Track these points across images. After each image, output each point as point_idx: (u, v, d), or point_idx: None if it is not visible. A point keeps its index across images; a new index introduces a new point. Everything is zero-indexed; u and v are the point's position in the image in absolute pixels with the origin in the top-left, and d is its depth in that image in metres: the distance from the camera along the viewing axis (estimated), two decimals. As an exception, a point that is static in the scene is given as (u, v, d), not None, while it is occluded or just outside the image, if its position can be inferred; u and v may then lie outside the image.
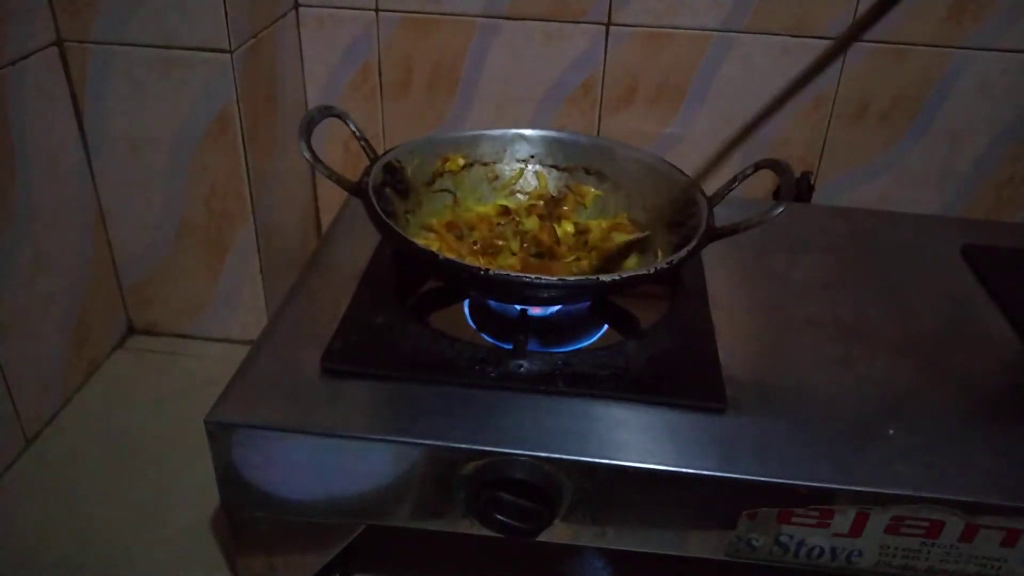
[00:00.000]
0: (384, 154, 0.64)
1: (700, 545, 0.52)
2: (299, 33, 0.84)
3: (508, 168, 0.70)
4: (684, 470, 0.49)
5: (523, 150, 0.70)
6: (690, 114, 0.84)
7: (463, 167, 0.68)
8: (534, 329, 0.59)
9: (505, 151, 0.70)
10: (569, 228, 0.66)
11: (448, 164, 0.67)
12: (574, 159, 0.70)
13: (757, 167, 0.60)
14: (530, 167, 0.70)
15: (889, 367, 0.59)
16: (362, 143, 0.63)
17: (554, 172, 0.70)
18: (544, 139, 0.70)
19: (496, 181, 0.69)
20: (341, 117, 0.62)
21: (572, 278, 0.54)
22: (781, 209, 0.55)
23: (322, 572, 0.58)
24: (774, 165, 0.59)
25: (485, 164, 0.69)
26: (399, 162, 0.64)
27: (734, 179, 0.62)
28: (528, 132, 0.70)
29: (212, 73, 0.70)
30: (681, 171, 0.65)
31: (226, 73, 0.70)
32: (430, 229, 0.64)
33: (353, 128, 0.63)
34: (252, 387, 0.54)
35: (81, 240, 0.76)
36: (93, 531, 0.64)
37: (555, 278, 0.53)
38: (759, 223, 0.56)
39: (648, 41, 0.81)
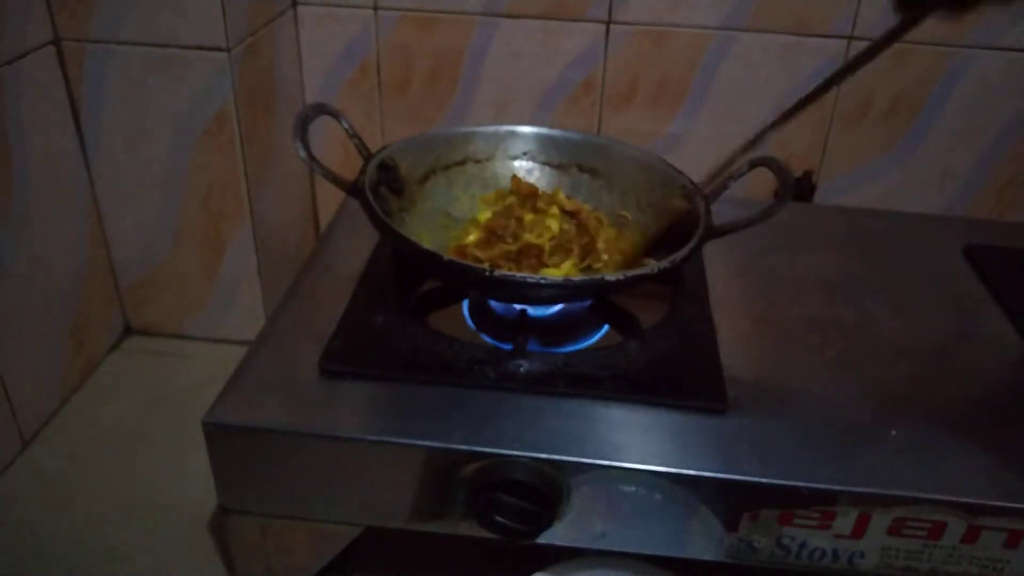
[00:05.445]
0: (377, 152, 0.63)
1: (701, 547, 0.51)
2: (297, 31, 0.84)
3: (502, 166, 0.69)
4: (685, 471, 0.49)
5: (516, 147, 0.70)
6: (691, 113, 0.84)
7: (457, 163, 0.68)
8: (534, 329, 0.59)
9: (498, 148, 0.69)
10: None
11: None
12: (568, 156, 0.69)
13: (752, 164, 0.60)
14: (523, 164, 0.70)
15: (891, 368, 0.58)
16: (355, 141, 0.63)
17: (547, 169, 0.70)
18: (537, 136, 0.70)
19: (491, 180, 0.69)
20: (334, 115, 0.62)
21: (577, 278, 0.54)
22: (780, 207, 0.55)
23: (321, 573, 0.57)
24: (769, 162, 0.58)
25: (478, 161, 0.69)
26: (393, 160, 0.64)
27: (729, 176, 0.61)
28: (521, 129, 0.70)
29: (209, 72, 0.70)
30: (676, 168, 0.65)
31: (223, 72, 0.70)
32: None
33: (346, 126, 0.62)
34: (250, 388, 0.53)
35: (78, 240, 0.75)
36: (90, 532, 0.64)
37: (560, 278, 0.53)
38: (758, 221, 0.56)
39: (649, 39, 0.81)
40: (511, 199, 0.65)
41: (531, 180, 0.69)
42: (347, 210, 0.74)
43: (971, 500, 0.48)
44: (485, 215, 0.64)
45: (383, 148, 0.64)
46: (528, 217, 0.63)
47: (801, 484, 0.48)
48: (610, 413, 0.52)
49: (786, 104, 0.55)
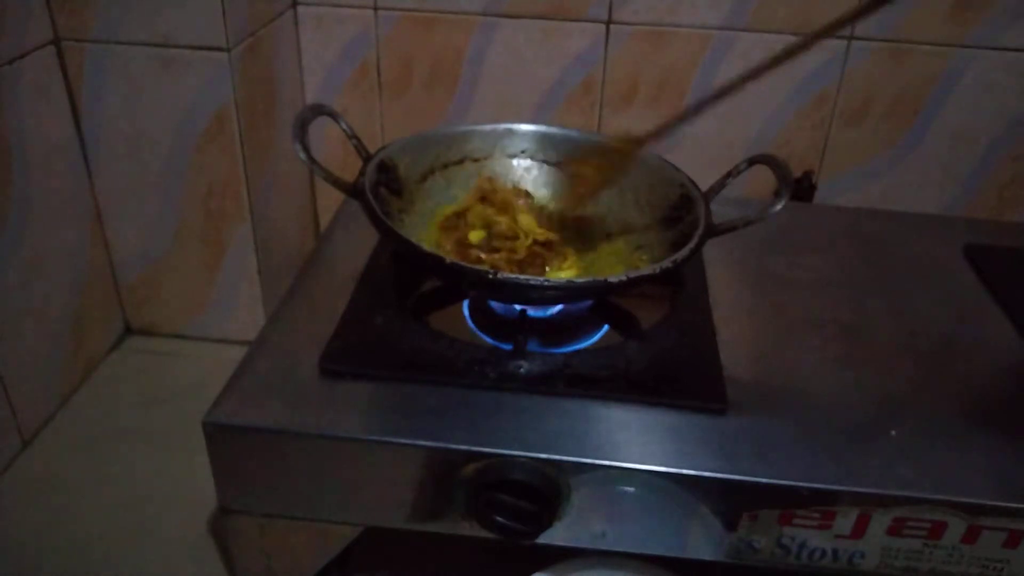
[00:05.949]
0: (376, 153, 0.63)
1: (701, 547, 0.51)
2: (297, 31, 0.84)
3: (500, 165, 0.69)
4: (685, 471, 0.48)
5: (514, 145, 0.70)
6: (691, 113, 0.84)
7: (455, 162, 0.68)
8: (534, 329, 0.59)
9: (496, 146, 0.69)
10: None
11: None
12: (566, 154, 0.69)
13: (751, 162, 0.60)
14: (521, 162, 0.69)
15: (891, 367, 0.58)
16: (354, 142, 0.62)
17: (546, 167, 0.70)
18: (535, 134, 0.70)
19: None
20: (332, 116, 0.61)
21: (580, 279, 0.54)
22: (780, 205, 0.55)
23: (321, 573, 0.57)
24: (768, 160, 0.58)
25: (476, 160, 0.69)
26: (391, 160, 0.64)
27: (727, 174, 0.61)
28: (519, 127, 0.70)
29: (210, 72, 0.70)
30: (675, 167, 0.65)
31: (224, 72, 0.70)
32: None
33: (344, 127, 0.62)
34: (250, 388, 0.53)
35: (78, 240, 0.75)
36: (90, 533, 0.64)
37: (563, 280, 0.53)
38: (758, 220, 0.56)
39: (649, 39, 0.81)
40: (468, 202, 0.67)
41: (529, 178, 0.69)
42: (347, 210, 0.74)
43: (971, 500, 0.48)
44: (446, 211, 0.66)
45: (381, 148, 0.64)
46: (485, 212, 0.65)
47: (801, 484, 0.48)
48: (610, 413, 0.52)
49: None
